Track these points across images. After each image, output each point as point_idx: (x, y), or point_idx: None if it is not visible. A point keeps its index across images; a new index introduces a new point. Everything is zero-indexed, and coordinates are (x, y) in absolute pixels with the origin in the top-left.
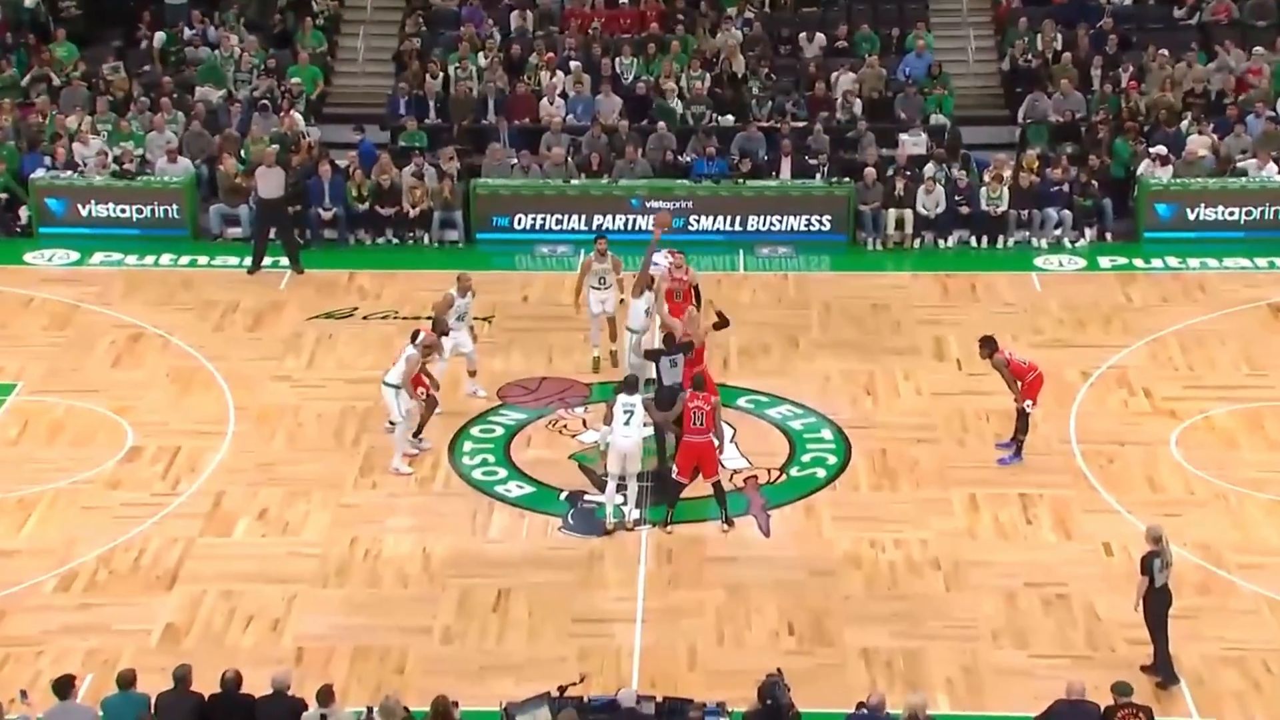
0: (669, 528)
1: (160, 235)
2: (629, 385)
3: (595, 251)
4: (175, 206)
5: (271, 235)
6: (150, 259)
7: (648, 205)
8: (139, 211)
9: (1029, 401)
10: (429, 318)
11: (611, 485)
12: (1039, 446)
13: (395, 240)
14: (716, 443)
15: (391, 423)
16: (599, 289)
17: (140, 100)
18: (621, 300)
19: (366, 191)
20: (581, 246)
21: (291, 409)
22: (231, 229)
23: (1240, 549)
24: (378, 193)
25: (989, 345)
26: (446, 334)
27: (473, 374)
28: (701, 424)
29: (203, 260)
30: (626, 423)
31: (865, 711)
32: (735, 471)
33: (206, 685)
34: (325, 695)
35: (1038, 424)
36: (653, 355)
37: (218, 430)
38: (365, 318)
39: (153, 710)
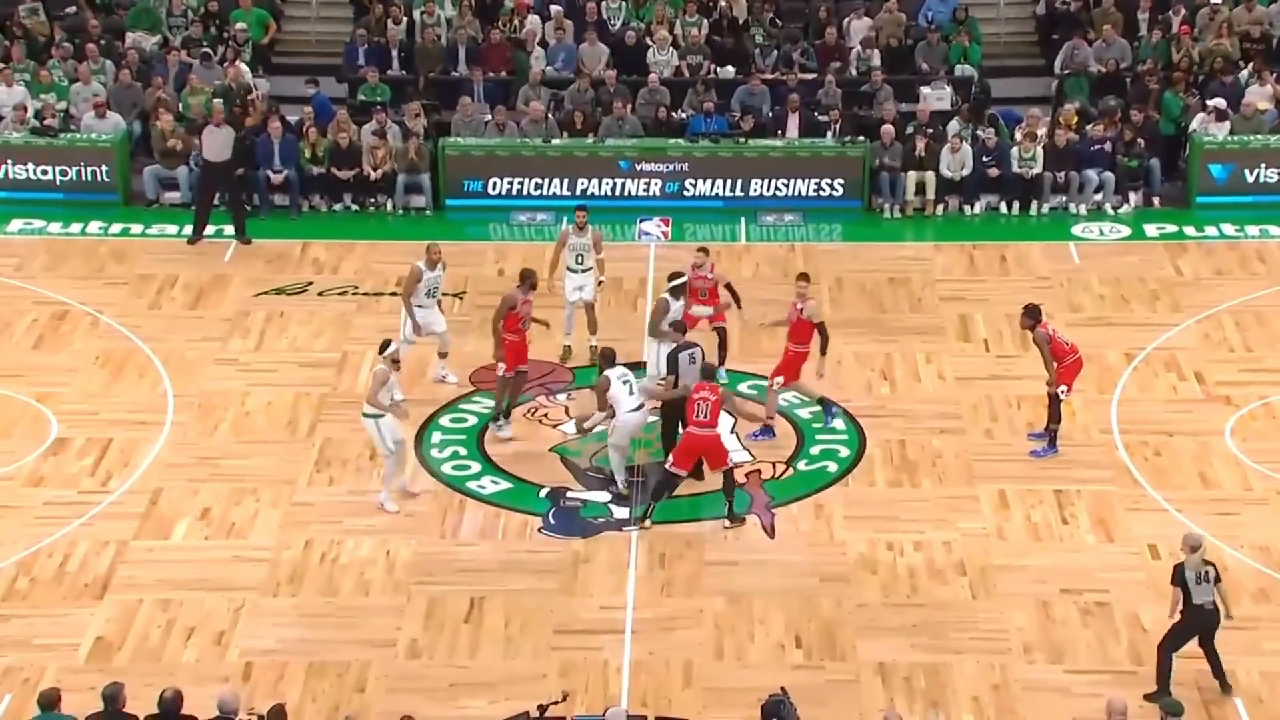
0: (647, 523)
1: (88, 200)
2: (610, 358)
3: (574, 224)
4: (104, 168)
5: (215, 201)
6: (76, 227)
7: (638, 168)
8: (63, 173)
9: (1063, 387)
10: (393, 293)
11: (620, 460)
12: (1077, 437)
13: (354, 207)
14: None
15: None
16: (576, 270)
17: (63, 46)
18: (601, 282)
19: (322, 152)
20: (564, 214)
21: (237, 396)
22: (169, 193)
23: None
24: (334, 153)
25: (1033, 315)
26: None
27: (443, 356)
28: (706, 416)
29: (136, 229)
30: (631, 393)
31: None
32: (736, 465)
33: (142, 706)
34: (277, 716)
35: (1075, 412)
36: (671, 356)
37: (154, 420)
38: (321, 294)
39: None
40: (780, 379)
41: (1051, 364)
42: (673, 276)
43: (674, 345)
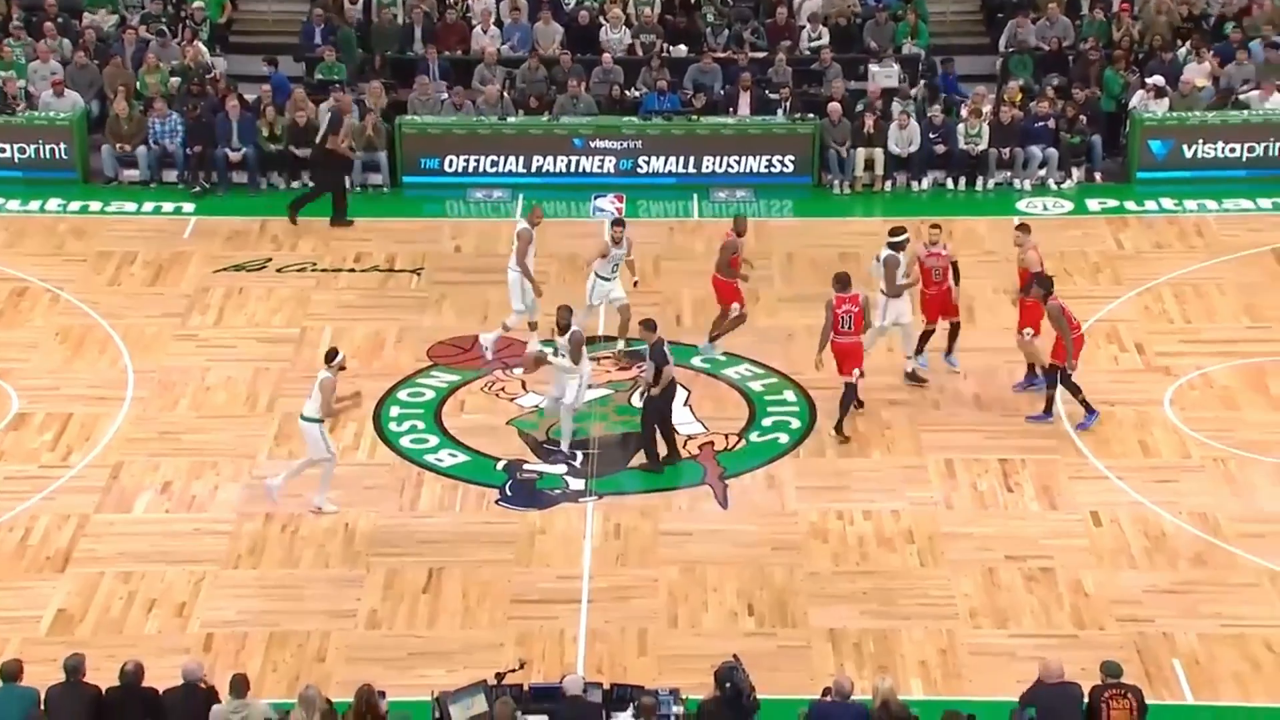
0: (843, 435)
1: (46, 178)
2: (562, 325)
3: (610, 238)
4: (63, 145)
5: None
6: (35, 204)
7: (592, 145)
8: (21, 151)
9: (1073, 361)
10: (350, 269)
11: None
12: (1022, 408)
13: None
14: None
15: (317, 460)
16: (609, 279)
17: (20, 24)
18: (636, 283)
19: (280, 130)
20: (519, 191)
21: (197, 371)
22: (127, 171)
23: (1240, 517)
24: (292, 132)
25: (1046, 285)
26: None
27: (534, 327)
28: (850, 327)
29: (95, 206)
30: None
31: (831, 698)
32: (689, 438)
33: (104, 677)
34: (238, 686)
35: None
36: (657, 349)
37: (115, 395)
38: (280, 270)
39: (42, 706)
40: (1029, 330)
41: (1069, 335)
42: (894, 231)
43: (658, 340)
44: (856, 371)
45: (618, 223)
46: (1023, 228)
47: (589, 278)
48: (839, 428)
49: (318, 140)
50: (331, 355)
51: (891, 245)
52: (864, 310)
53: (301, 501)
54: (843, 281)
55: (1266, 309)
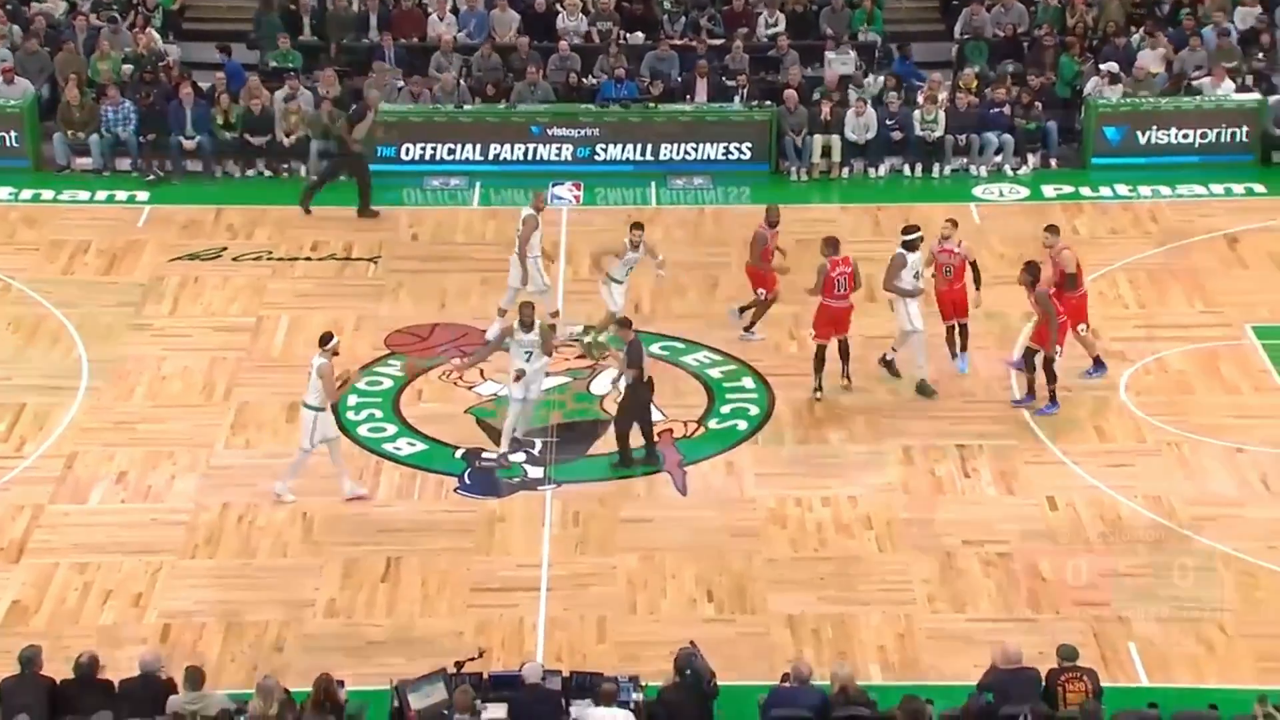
0: (819, 395)
1: None
2: (526, 323)
3: (629, 241)
4: (14, 133)
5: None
6: None
7: (550, 133)
8: None
9: (1057, 348)
10: (307, 258)
11: (518, 406)
12: (978, 394)
13: (267, 172)
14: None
15: (303, 449)
16: (623, 281)
17: None
18: (660, 274)
19: (234, 118)
20: (476, 179)
21: (153, 361)
22: (80, 159)
23: (1194, 500)
24: (247, 120)
25: (1033, 272)
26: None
27: (503, 313)
28: (844, 290)
29: (47, 194)
30: (528, 359)
31: (790, 683)
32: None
33: (60, 669)
34: (195, 677)
35: (978, 369)
36: (635, 348)
37: (69, 385)
38: (235, 259)
39: None
40: (1083, 325)
41: (1055, 322)
42: (907, 229)
43: (630, 341)
44: (822, 340)
45: (636, 225)
46: (1051, 229)
47: (601, 279)
48: (845, 374)
49: (336, 133)
50: (326, 339)
51: (903, 244)
52: (855, 271)
53: (257, 491)
54: (833, 245)
55: (1219, 294)
